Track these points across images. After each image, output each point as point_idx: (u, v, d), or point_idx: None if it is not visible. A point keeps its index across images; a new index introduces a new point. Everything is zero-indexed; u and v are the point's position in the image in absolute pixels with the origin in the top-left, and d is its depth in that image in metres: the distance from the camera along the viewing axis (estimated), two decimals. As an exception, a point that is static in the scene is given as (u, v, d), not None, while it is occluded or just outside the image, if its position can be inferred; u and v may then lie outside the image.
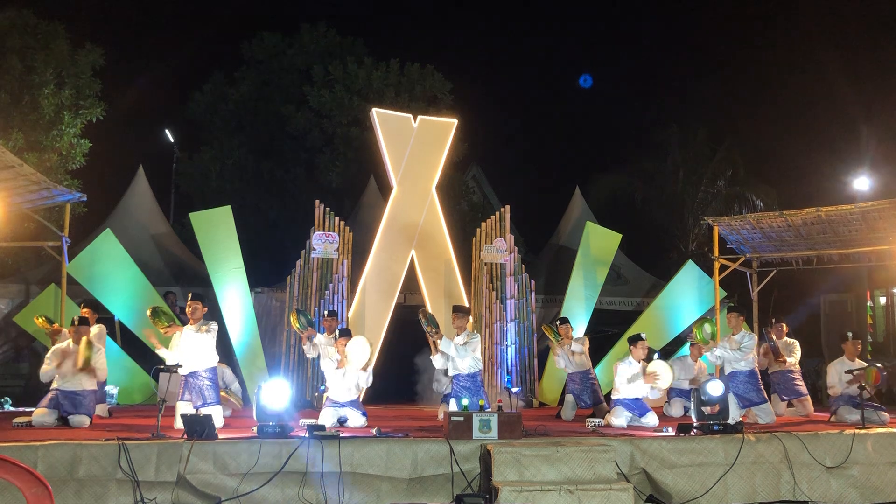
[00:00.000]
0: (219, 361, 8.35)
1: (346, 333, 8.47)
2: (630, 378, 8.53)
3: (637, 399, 8.54)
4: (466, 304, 11.53)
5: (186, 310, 7.99)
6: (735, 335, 9.07)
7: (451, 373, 8.74)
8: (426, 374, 11.46)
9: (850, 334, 9.40)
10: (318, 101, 18.33)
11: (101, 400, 9.30)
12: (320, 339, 8.97)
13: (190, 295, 8.15)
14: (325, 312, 9.91)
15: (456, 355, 8.55)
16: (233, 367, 10.27)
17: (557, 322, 10.35)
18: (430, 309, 11.50)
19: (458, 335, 8.75)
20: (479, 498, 6.11)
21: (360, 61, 18.63)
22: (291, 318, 8.98)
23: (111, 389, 10.08)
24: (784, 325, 10.43)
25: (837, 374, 9.20)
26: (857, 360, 9.30)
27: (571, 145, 28.28)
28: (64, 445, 6.20)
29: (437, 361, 8.78)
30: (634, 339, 8.75)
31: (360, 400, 8.63)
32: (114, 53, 14.23)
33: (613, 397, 8.71)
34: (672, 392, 10.20)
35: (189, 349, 7.82)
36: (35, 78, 12.83)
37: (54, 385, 8.08)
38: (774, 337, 10.12)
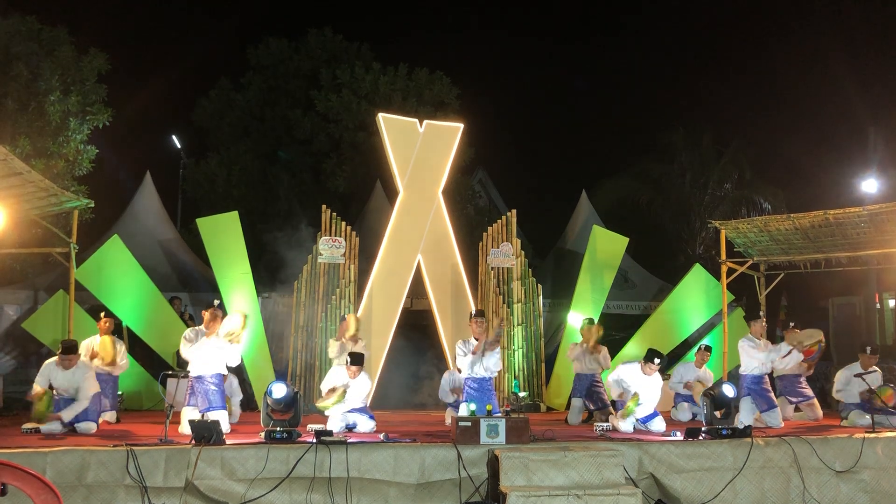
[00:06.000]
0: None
1: (359, 361, 8.25)
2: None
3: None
4: (474, 309, 11.55)
5: (206, 315, 7.97)
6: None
7: (465, 374, 8.56)
8: (433, 379, 11.47)
9: (869, 349, 9.18)
10: (324, 106, 18.37)
11: (112, 406, 9.37)
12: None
13: (217, 302, 8.21)
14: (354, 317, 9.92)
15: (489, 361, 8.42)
16: (239, 371, 10.27)
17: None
18: (436, 313, 11.51)
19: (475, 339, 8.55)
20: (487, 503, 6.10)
21: (368, 66, 18.67)
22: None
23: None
24: (798, 329, 10.39)
25: (846, 380, 9.12)
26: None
27: (578, 149, 28.26)
28: (72, 451, 6.22)
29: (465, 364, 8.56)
30: (651, 357, 8.35)
31: (368, 405, 8.60)
32: (120, 59, 14.27)
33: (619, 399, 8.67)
34: (678, 396, 10.17)
35: (208, 354, 7.87)
36: (41, 84, 12.87)
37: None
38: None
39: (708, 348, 10.46)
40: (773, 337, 13.26)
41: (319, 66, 19.35)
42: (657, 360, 8.31)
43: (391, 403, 11.40)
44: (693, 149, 20.22)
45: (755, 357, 8.92)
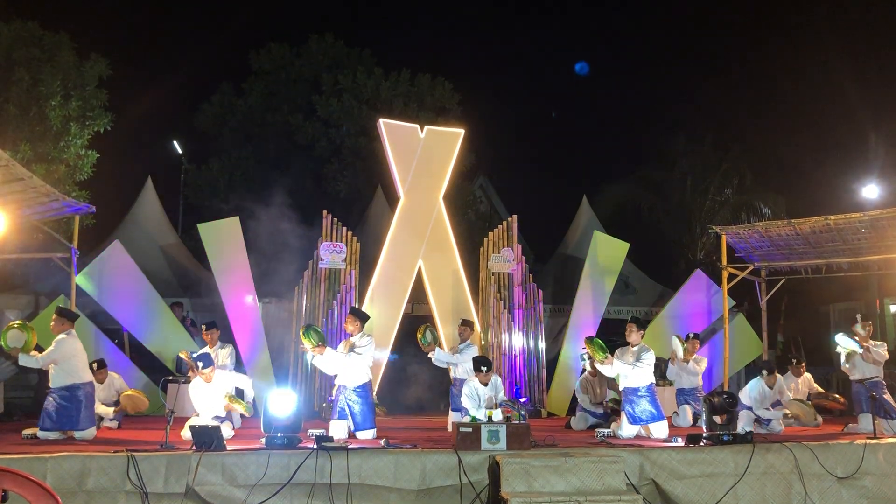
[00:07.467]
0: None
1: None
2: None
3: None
4: (473, 315, 11.53)
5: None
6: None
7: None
8: (434, 385, 11.45)
9: (858, 316, 9.35)
10: (326, 110, 18.37)
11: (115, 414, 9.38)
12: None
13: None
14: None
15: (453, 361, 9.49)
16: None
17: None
18: (437, 319, 11.50)
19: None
20: (487, 509, 6.09)
21: (370, 71, 18.69)
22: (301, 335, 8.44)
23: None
24: (804, 365, 10.49)
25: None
26: (869, 341, 9.30)
27: (579, 154, 28.29)
28: (73, 457, 6.21)
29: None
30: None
31: (373, 389, 8.57)
32: (121, 64, 14.26)
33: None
34: (679, 398, 10.16)
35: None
36: (42, 89, 12.87)
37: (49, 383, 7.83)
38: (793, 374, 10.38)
39: (696, 336, 10.54)
40: (774, 341, 13.27)
41: (321, 71, 19.37)
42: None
43: (392, 409, 11.39)
44: (694, 154, 20.21)
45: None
